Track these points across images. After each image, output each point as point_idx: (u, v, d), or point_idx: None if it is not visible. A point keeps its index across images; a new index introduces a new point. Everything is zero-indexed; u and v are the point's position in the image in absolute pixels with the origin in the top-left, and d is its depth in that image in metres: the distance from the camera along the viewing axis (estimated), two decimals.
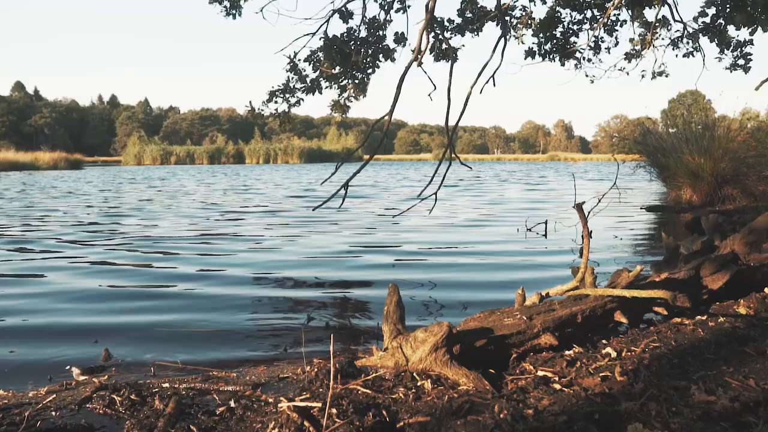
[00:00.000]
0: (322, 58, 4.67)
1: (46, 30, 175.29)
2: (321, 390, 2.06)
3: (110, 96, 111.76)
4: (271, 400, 2.00)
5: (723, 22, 5.33)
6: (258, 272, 4.81)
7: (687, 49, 5.76)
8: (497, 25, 4.91)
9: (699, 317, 2.83)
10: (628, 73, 6.03)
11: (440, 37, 4.73)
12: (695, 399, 1.83)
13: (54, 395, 2.11)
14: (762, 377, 2.00)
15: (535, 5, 5.40)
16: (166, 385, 2.18)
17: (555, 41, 5.68)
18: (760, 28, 4.93)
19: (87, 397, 2.03)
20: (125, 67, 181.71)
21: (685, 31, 5.68)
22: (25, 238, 6.93)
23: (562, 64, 5.81)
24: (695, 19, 5.58)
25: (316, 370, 2.24)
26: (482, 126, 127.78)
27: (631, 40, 5.91)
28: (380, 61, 4.84)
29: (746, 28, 4.99)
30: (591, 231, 2.67)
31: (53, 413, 1.94)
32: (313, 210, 4.81)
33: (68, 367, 2.60)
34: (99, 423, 1.88)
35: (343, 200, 4.20)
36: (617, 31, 5.78)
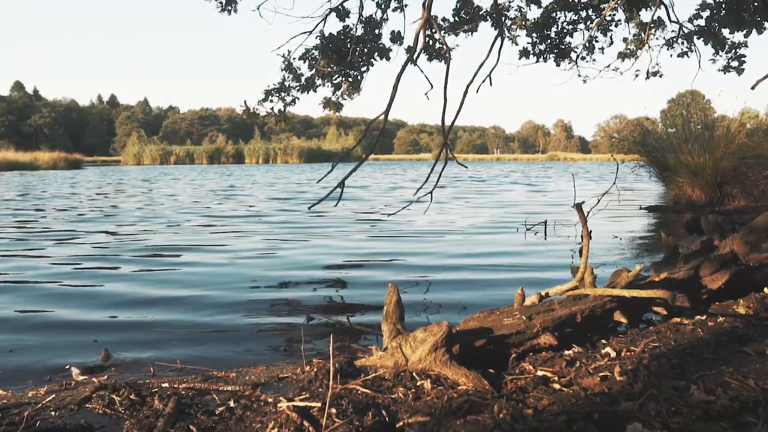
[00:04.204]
0: (318, 57, 4.66)
1: (45, 30, 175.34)
2: (320, 390, 2.06)
3: (110, 96, 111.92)
4: (270, 399, 1.99)
5: (717, 25, 5.32)
6: (257, 273, 4.81)
7: (682, 49, 5.76)
8: (492, 25, 4.90)
9: (698, 317, 2.83)
10: (621, 73, 6.01)
11: (435, 36, 4.73)
12: (695, 399, 1.83)
13: (53, 395, 2.10)
14: (761, 377, 2.00)
15: (530, 10, 5.41)
16: (166, 385, 2.18)
17: (549, 41, 5.68)
18: (754, 31, 4.92)
19: (86, 397, 2.03)
20: (125, 67, 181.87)
21: (681, 32, 5.68)
22: (22, 238, 6.93)
23: (557, 64, 5.80)
24: (690, 21, 5.57)
25: (315, 370, 2.24)
26: (482, 126, 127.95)
27: (625, 40, 5.90)
28: (375, 60, 4.83)
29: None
30: (590, 231, 2.67)
31: (53, 413, 1.94)
32: (308, 209, 4.82)
33: (68, 367, 2.61)
34: (99, 423, 1.88)
35: (339, 199, 4.19)
36: (612, 31, 5.77)
